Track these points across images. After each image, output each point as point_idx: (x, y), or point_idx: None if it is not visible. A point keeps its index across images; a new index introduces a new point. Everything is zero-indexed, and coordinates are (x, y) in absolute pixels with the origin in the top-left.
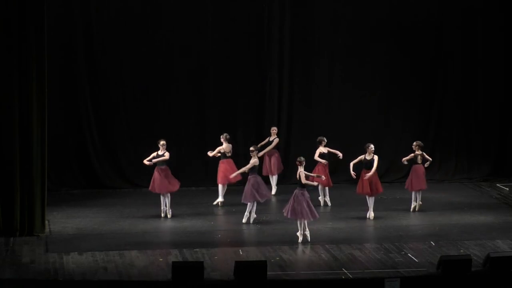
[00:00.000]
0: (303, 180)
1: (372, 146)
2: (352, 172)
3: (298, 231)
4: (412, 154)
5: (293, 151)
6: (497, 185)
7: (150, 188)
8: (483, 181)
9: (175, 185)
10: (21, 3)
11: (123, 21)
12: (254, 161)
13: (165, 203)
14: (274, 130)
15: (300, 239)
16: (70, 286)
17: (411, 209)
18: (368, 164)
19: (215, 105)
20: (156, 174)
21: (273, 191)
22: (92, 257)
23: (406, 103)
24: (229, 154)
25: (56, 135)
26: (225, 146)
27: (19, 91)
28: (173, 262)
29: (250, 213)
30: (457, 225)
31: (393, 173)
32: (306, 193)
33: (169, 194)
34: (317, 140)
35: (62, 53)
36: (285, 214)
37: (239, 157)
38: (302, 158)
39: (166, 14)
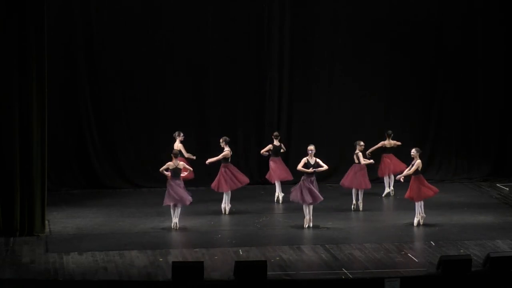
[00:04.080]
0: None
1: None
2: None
3: (305, 216)
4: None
5: (293, 151)
6: (497, 185)
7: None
8: (483, 181)
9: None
10: (21, 3)
11: (123, 21)
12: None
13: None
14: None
15: (306, 225)
16: (70, 286)
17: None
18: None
19: (215, 105)
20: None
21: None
22: (92, 257)
23: (406, 103)
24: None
25: (56, 135)
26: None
27: (19, 91)
28: (173, 262)
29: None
30: (457, 225)
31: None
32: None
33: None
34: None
35: (62, 53)
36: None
37: (239, 157)
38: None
39: (166, 14)
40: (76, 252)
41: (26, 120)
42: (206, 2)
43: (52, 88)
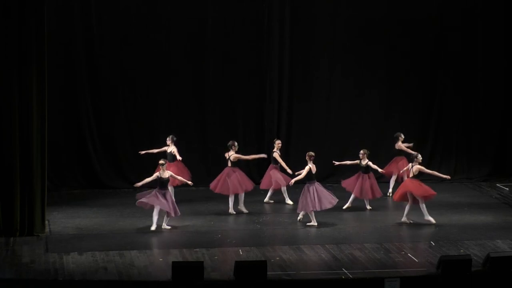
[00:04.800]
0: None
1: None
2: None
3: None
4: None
5: (292, 151)
6: (497, 185)
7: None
8: (483, 181)
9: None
10: (21, 3)
11: (123, 21)
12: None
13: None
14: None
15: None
16: (70, 286)
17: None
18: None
19: (215, 106)
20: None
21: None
22: (92, 257)
23: (406, 104)
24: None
25: (56, 135)
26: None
27: (19, 91)
28: (173, 262)
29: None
30: (457, 225)
31: None
32: (314, 185)
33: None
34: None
35: (62, 53)
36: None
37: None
38: (312, 153)
39: (166, 14)
40: (76, 252)
41: (26, 120)
42: (206, 3)
43: (52, 88)
